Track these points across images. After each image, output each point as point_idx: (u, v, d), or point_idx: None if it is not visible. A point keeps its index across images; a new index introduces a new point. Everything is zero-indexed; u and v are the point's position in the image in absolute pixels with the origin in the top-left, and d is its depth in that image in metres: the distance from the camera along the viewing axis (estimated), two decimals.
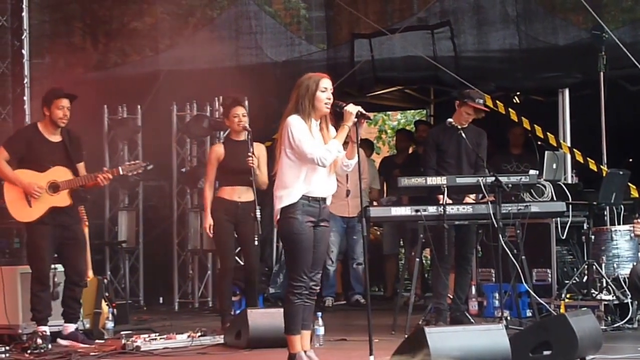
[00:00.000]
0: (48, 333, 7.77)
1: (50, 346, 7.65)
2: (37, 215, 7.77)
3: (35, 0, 11.90)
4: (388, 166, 11.94)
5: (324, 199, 6.23)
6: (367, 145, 11.88)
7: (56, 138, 7.96)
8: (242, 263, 9.24)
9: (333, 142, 6.14)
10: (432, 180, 8.22)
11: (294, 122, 6.12)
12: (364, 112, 6.26)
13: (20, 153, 7.87)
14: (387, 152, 16.77)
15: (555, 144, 10.13)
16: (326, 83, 6.21)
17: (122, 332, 8.02)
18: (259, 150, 8.48)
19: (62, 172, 7.85)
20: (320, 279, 6.37)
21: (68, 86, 8.42)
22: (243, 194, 8.40)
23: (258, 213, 8.22)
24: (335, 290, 11.10)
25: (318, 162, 6.08)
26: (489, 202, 8.09)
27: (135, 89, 11.43)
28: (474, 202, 8.48)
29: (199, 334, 7.80)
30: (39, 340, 7.55)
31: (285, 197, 6.13)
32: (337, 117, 6.34)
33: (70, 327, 7.97)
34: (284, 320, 6.20)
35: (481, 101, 8.48)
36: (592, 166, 9.97)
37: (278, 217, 6.18)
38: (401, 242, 11.91)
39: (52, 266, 7.96)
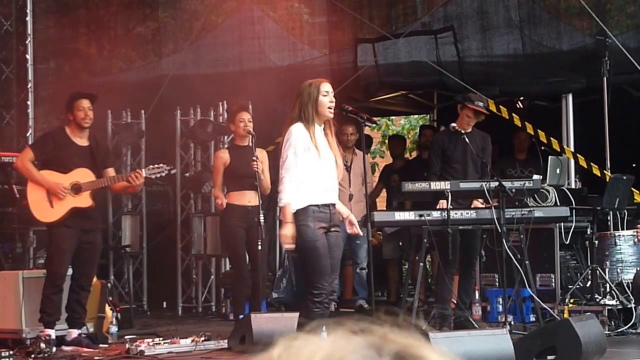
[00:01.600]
0: (53, 337, 7.78)
1: (54, 350, 7.65)
2: (58, 216, 7.79)
3: (41, 5, 11.95)
4: (387, 173, 11.93)
5: (333, 205, 6.23)
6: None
7: (83, 142, 7.98)
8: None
9: (286, 213, 6.09)
10: (436, 185, 8.23)
11: (294, 137, 6.12)
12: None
13: (46, 155, 7.92)
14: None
15: (558, 149, 10.14)
16: (327, 87, 6.23)
17: (126, 337, 8.03)
18: (262, 155, 8.51)
19: (85, 173, 7.87)
20: (335, 285, 6.35)
21: (73, 91, 8.44)
22: (252, 198, 8.43)
23: (262, 218, 8.23)
24: (338, 296, 11.09)
25: (280, 190, 6.11)
26: (493, 207, 8.09)
27: (140, 94, 11.44)
28: (481, 206, 8.49)
29: (203, 338, 7.80)
30: (43, 345, 7.55)
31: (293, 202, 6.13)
32: (339, 120, 6.35)
33: (74, 333, 7.98)
34: (299, 328, 6.17)
35: (481, 104, 8.49)
36: (596, 171, 9.96)
37: None
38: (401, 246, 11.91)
39: None
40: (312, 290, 6.08)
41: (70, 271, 8.03)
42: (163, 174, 8.07)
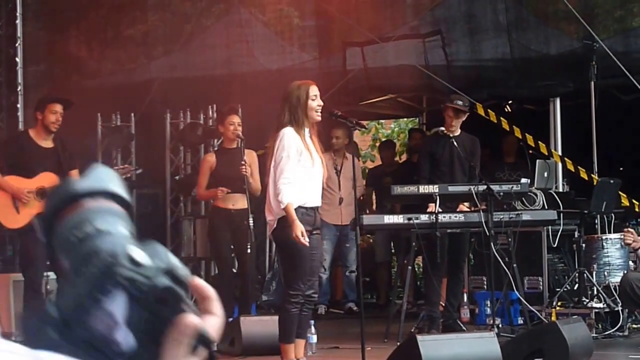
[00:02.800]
0: None
1: None
2: (24, 222, 7.74)
3: (31, 8, 11.94)
4: (377, 176, 11.97)
5: (317, 208, 6.28)
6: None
7: (48, 144, 7.95)
8: (234, 271, 9.26)
9: (291, 212, 6.09)
10: (425, 189, 8.27)
11: (287, 140, 6.15)
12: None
13: (11, 159, 7.87)
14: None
15: (546, 153, 10.19)
16: (315, 90, 6.27)
17: None
18: (251, 157, 8.52)
19: (51, 178, 7.83)
20: (317, 287, 6.41)
21: (63, 94, 8.45)
22: (237, 202, 8.44)
23: (251, 221, 8.26)
24: (328, 298, 11.13)
25: (277, 194, 6.12)
26: (481, 211, 8.14)
27: (129, 96, 11.44)
28: (468, 210, 8.53)
29: None
30: None
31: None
32: (328, 124, 6.39)
33: None
34: (279, 329, 6.23)
35: (460, 102, 8.54)
36: (583, 175, 10.02)
37: (275, 226, 6.20)
38: (392, 249, 11.95)
39: (45, 274, 7.97)
40: (289, 291, 6.16)
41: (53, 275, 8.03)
42: (128, 175, 8.07)
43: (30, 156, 7.88)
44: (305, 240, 6.02)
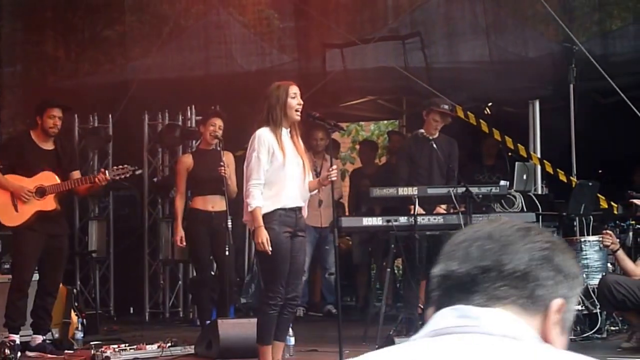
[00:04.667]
0: (18, 342, 7.72)
1: (19, 355, 7.60)
2: (23, 219, 7.76)
3: (8, 8, 11.86)
4: (357, 177, 11.95)
5: (299, 209, 6.23)
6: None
7: (49, 146, 7.98)
8: (212, 273, 9.21)
9: (257, 217, 6.04)
10: (404, 191, 8.25)
11: (257, 141, 6.10)
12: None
13: (10, 159, 7.91)
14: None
15: (525, 155, 10.20)
16: (295, 89, 6.24)
17: (91, 343, 7.97)
18: (228, 158, 8.49)
19: (49, 176, 7.85)
20: (300, 290, 6.36)
21: (39, 95, 8.41)
22: (216, 203, 8.40)
23: (229, 223, 8.21)
24: (307, 301, 11.09)
25: (245, 195, 6.09)
26: (460, 213, 8.13)
27: (107, 97, 11.38)
28: (445, 212, 8.52)
29: (169, 344, 7.76)
30: (7, 351, 7.50)
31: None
32: (308, 126, 6.36)
33: (38, 339, 7.93)
34: (257, 330, 6.19)
35: (446, 106, 8.54)
36: (562, 177, 10.03)
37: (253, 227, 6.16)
38: (370, 251, 11.93)
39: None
40: (268, 293, 6.12)
41: (36, 277, 7.98)
42: (127, 175, 8.04)
43: (30, 157, 7.91)
44: (268, 248, 5.97)
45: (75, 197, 10.19)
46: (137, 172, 8.22)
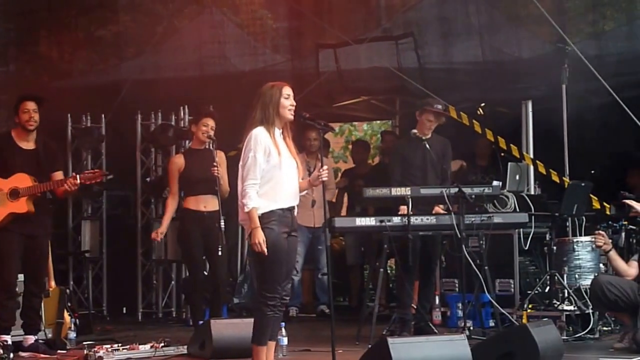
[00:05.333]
0: (10, 342, 7.71)
1: (12, 356, 7.59)
2: None
3: (0, 7, 11.84)
4: (351, 178, 11.95)
5: (294, 209, 6.23)
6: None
7: (29, 145, 7.93)
8: (205, 273, 9.21)
9: (254, 218, 6.06)
10: (397, 191, 8.26)
11: (254, 140, 6.10)
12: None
13: None
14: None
15: (518, 156, 10.21)
16: (288, 90, 6.25)
17: (84, 343, 7.97)
18: (220, 158, 8.48)
19: (24, 178, 7.79)
20: (289, 289, 6.35)
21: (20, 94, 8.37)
22: (208, 203, 8.40)
23: (222, 223, 8.21)
24: (300, 301, 11.09)
25: (241, 196, 6.08)
26: (453, 213, 8.14)
27: (100, 97, 11.37)
28: (442, 212, 8.52)
29: (162, 344, 7.76)
30: (0, 351, 7.49)
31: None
32: (300, 126, 6.35)
33: (31, 339, 7.92)
34: (253, 331, 6.16)
35: (439, 106, 8.56)
36: (555, 178, 10.05)
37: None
38: (363, 252, 11.93)
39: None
40: (266, 294, 6.08)
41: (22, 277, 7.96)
42: (98, 180, 8.01)
43: (9, 157, 7.86)
44: (264, 249, 5.96)
45: (69, 197, 10.16)
46: (109, 177, 8.20)
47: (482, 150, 10.80)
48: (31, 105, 7.90)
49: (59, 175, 7.98)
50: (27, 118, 7.87)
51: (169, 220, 8.67)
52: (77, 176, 7.83)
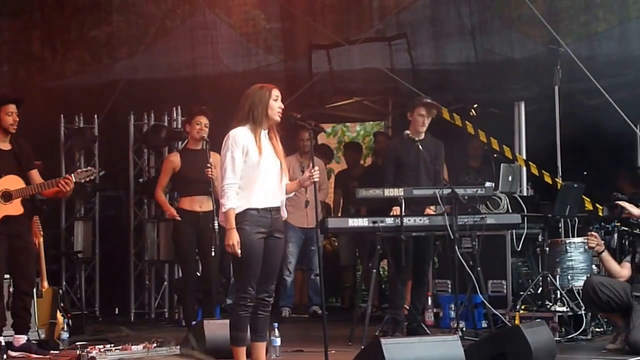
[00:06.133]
0: (3, 343, 7.69)
1: (5, 356, 7.58)
2: None
3: None
4: (344, 179, 11.96)
5: (276, 209, 6.19)
6: (322, 153, 11.83)
7: (6, 146, 7.89)
8: (198, 274, 9.21)
9: (230, 219, 6.04)
10: (390, 192, 8.27)
11: (231, 141, 6.10)
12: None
13: None
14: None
15: (510, 157, 10.23)
16: (277, 92, 6.27)
17: (77, 343, 7.96)
18: (215, 159, 8.46)
19: (14, 180, 7.76)
20: (274, 290, 6.35)
21: (26, 95, 8.34)
22: (203, 204, 8.43)
23: (216, 224, 8.21)
24: (292, 301, 11.09)
25: (220, 195, 6.09)
26: (446, 214, 8.15)
27: (93, 98, 11.37)
28: (434, 213, 8.54)
29: (155, 344, 7.75)
30: None
31: None
32: (289, 128, 6.34)
33: (22, 339, 7.89)
34: (229, 331, 6.18)
35: (429, 99, 8.55)
36: (547, 179, 10.06)
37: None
38: (357, 253, 11.94)
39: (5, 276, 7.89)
40: (239, 294, 6.11)
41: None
42: (92, 177, 8.00)
43: None
44: (238, 251, 5.96)
45: (62, 198, 10.14)
46: (101, 174, 8.20)
47: (475, 152, 10.81)
48: (14, 108, 7.87)
49: (34, 174, 7.91)
50: (12, 121, 7.84)
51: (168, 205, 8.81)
52: (72, 175, 7.82)
